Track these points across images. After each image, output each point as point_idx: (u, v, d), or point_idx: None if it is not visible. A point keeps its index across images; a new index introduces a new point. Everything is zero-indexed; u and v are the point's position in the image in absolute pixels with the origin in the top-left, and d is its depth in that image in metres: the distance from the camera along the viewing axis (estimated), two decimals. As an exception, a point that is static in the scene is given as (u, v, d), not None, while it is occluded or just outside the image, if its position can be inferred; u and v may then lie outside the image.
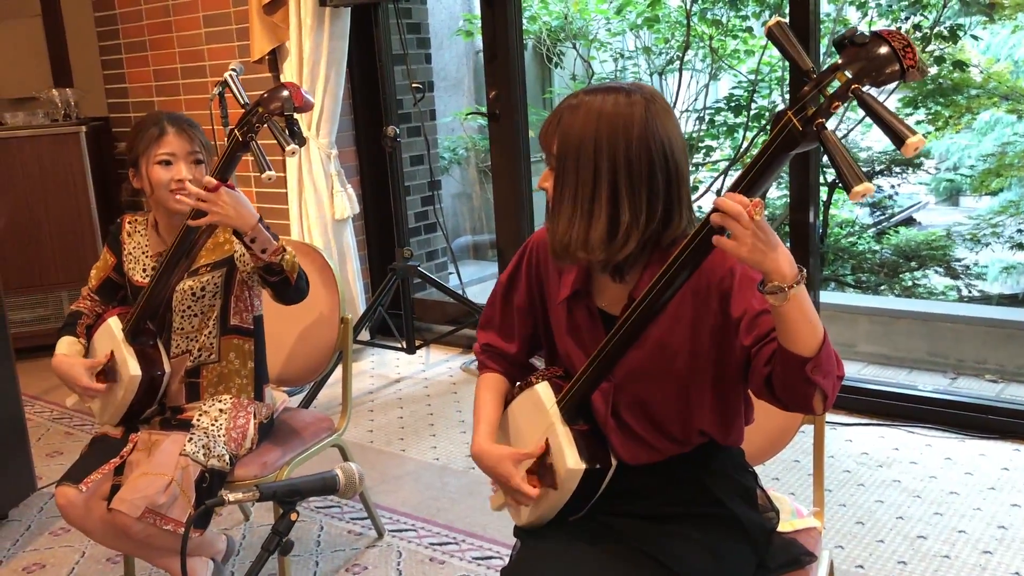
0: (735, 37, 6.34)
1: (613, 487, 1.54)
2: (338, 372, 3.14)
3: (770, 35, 1.26)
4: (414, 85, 3.94)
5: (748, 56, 6.41)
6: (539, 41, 6.63)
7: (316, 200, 4.01)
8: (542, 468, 1.54)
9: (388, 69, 4.04)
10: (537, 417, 1.57)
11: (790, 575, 1.61)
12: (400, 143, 3.93)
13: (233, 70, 3.25)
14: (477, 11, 6.91)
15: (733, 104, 6.39)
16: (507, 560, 1.64)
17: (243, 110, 1.94)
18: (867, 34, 1.21)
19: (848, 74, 1.19)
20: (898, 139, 1.16)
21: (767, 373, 1.35)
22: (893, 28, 1.22)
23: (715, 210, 1.25)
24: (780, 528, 1.65)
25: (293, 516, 1.28)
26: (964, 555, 2.45)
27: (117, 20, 4.72)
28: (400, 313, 4.11)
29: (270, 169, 1.84)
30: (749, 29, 6.30)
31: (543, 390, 1.57)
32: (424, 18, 4.76)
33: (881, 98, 1.31)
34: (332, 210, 4.03)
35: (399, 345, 4.11)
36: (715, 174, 6.45)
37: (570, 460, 1.49)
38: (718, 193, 1.29)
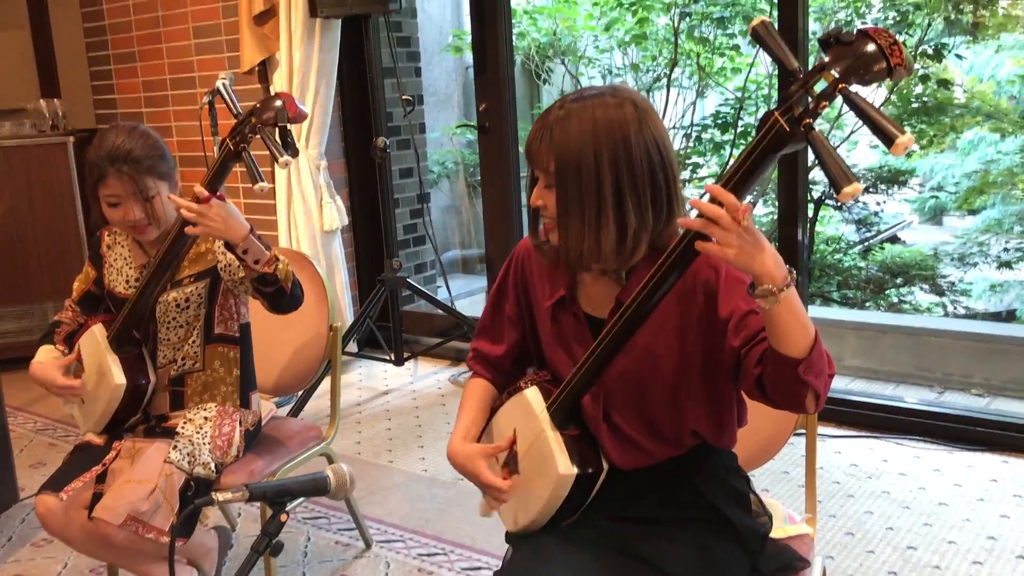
0: (722, 55, 6.39)
1: (605, 491, 1.53)
2: (326, 384, 3.14)
3: (755, 35, 1.24)
4: (404, 98, 3.94)
5: (735, 74, 6.45)
6: (528, 58, 6.66)
7: (305, 211, 4.00)
8: (512, 459, 1.54)
9: (378, 82, 4.04)
10: (527, 422, 1.55)
11: (783, 580, 1.60)
12: (390, 155, 3.93)
13: (224, 80, 3.25)
14: (467, 27, 6.95)
15: (720, 121, 6.43)
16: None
17: (235, 120, 1.92)
18: (853, 32, 1.20)
19: (835, 73, 1.18)
20: (887, 139, 1.15)
21: (758, 374, 1.35)
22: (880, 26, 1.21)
23: (698, 215, 1.25)
24: (773, 534, 1.64)
25: (283, 517, 1.26)
26: (955, 566, 2.45)
27: (106, 31, 4.71)
28: (388, 325, 4.10)
29: (262, 180, 1.82)
30: (736, 47, 6.35)
31: (532, 395, 1.56)
32: (414, 32, 4.77)
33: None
34: (321, 221, 4.02)
35: (387, 357, 4.09)
36: (702, 190, 6.47)
37: (561, 465, 1.48)
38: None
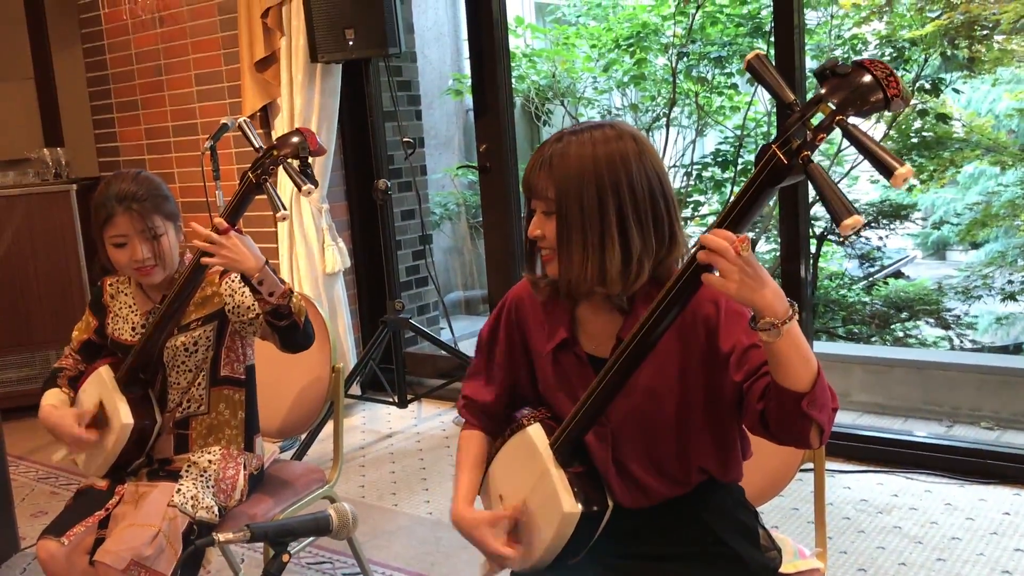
0: (720, 94, 6.44)
1: (611, 528, 1.50)
2: (330, 427, 3.11)
3: (750, 68, 1.25)
4: (405, 140, 3.97)
5: (734, 112, 6.50)
6: (527, 99, 6.72)
7: (307, 254, 4.00)
8: (518, 525, 1.52)
9: (379, 125, 4.07)
10: (530, 460, 1.53)
11: (795, 616, 1.57)
12: (391, 197, 3.95)
13: (230, 123, 3.28)
14: (466, 71, 7.02)
15: (720, 159, 6.47)
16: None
17: (256, 154, 1.94)
18: (849, 64, 1.20)
19: (832, 105, 1.18)
20: (886, 171, 1.14)
21: (761, 409, 1.33)
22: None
23: (701, 247, 1.24)
24: (783, 569, 1.61)
25: (285, 558, 1.24)
26: (970, 601, 2.40)
27: (109, 80, 4.76)
28: (391, 367, 4.08)
29: (285, 209, 1.85)
30: (734, 86, 6.40)
31: (535, 432, 1.54)
32: (414, 76, 4.82)
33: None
34: (323, 264, 4.03)
35: (390, 399, 4.06)
36: (703, 228, 6.48)
37: (566, 504, 1.46)
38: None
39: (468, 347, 4.78)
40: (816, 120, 1.20)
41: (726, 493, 1.55)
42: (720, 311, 1.41)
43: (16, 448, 3.85)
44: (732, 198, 1.27)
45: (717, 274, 1.24)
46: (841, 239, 7.03)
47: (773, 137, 1.27)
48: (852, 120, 1.19)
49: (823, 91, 1.20)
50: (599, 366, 1.46)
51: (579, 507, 1.45)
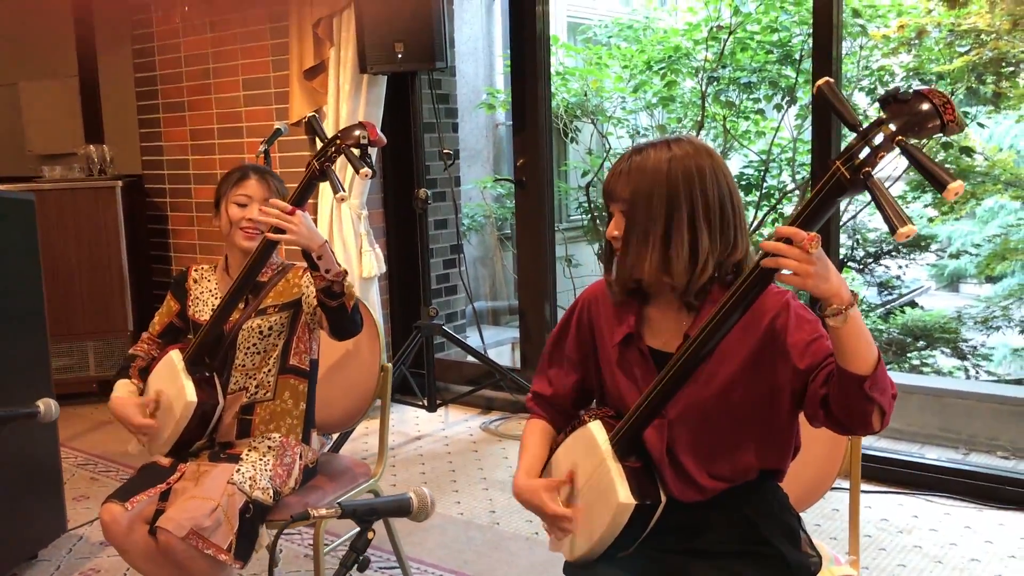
0: (747, 118, 6.54)
1: (663, 523, 1.59)
2: (362, 427, 3.21)
3: (819, 93, 1.36)
4: (445, 152, 4.08)
5: (759, 137, 6.60)
6: (557, 116, 6.83)
7: (345, 259, 4.11)
8: (571, 495, 1.62)
9: (420, 136, 4.19)
10: (590, 453, 1.63)
11: (831, 617, 1.66)
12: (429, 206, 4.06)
13: (283, 128, 3.41)
14: (499, 85, 7.15)
15: (744, 183, 6.56)
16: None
17: (322, 143, 2.10)
18: (910, 92, 1.31)
19: (892, 127, 1.30)
20: (940, 184, 1.25)
21: (824, 394, 1.43)
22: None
23: (767, 254, 1.35)
24: (820, 575, 1.70)
25: (370, 535, 1.34)
26: (988, 619, 2.49)
27: (157, 81, 4.89)
28: (420, 372, 4.18)
29: (344, 191, 2.01)
30: (760, 111, 6.51)
31: (596, 428, 1.64)
32: (452, 89, 4.94)
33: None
34: (360, 268, 4.13)
35: (420, 403, 4.16)
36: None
37: (622, 495, 1.55)
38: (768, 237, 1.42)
39: (496, 356, 4.89)
40: (877, 140, 1.31)
41: (773, 495, 1.64)
42: (790, 312, 1.52)
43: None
44: (798, 207, 1.38)
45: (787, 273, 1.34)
46: (860, 267, 7.11)
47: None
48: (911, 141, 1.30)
49: (884, 115, 1.31)
50: (662, 361, 1.56)
51: (633, 500, 1.54)
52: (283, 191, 2.32)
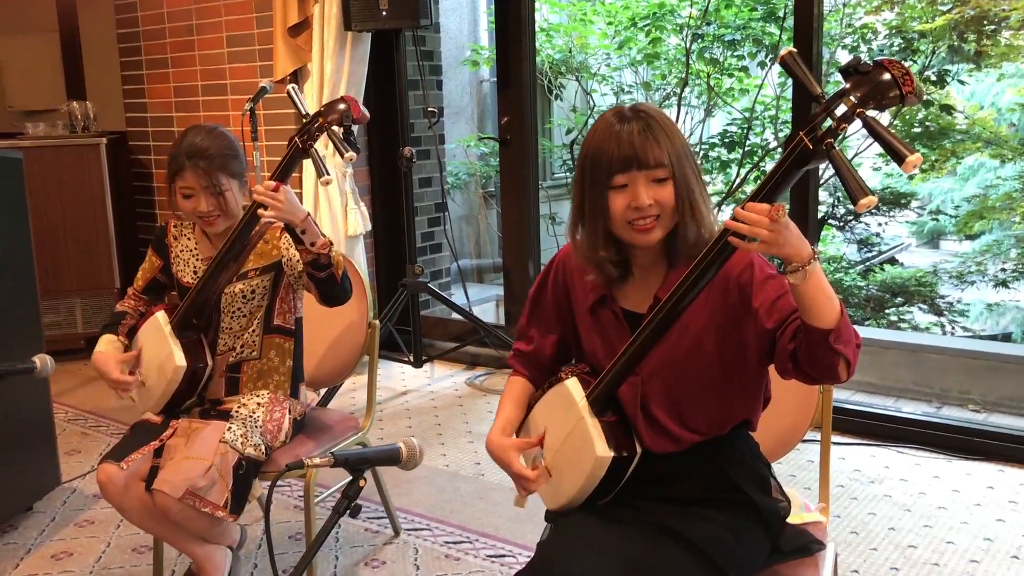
0: (731, 76, 6.57)
1: (639, 473, 1.67)
2: (349, 382, 3.25)
3: (783, 63, 1.41)
4: (430, 109, 4.10)
5: (742, 94, 6.64)
6: (541, 73, 6.83)
7: (331, 217, 4.14)
8: (555, 467, 1.70)
9: (405, 93, 4.20)
10: (567, 410, 1.70)
11: (800, 560, 1.74)
12: (414, 164, 4.09)
13: (268, 86, 3.41)
14: (483, 42, 7.13)
15: (727, 140, 6.61)
16: (520, 560, 1.76)
17: (303, 120, 2.09)
18: (870, 63, 1.36)
19: (854, 98, 1.34)
20: (899, 157, 1.30)
21: (792, 348, 1.50)
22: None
23: (735, 222, 1.40)
24: (790, 519, 1.78)
25: (361, 483, 1.41)
26: (952, 563, 2.59)
27: (139, 37, 4.87)
28: (406, 329, 4.25)
29: (328, 174, 1.99)
30: (744, 68, 6.53)
31: (572, 385, 1.71)
32: (437, 46, 4.94)
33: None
34: (346, 226, 4.17)
35: (405, 359, 4.23)
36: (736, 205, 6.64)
37: (599, 448, 1.62)
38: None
39: (480, 313, 4.95)
40: (839, 111, 1.36)
41: (744, 445, 1.72)
42: (754, 269, 1.58)
43: (45, 390, 4.00)
44: (763, 178, 1.43)
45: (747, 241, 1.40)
46: (840, 224, 7.20)
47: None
48: (870, 112, 1.35)
49: (847, 86, 1.36)
50: (635, 322, 1.62)
51: (610, 452, 1.62)
52: (233, 167, 2.24)
